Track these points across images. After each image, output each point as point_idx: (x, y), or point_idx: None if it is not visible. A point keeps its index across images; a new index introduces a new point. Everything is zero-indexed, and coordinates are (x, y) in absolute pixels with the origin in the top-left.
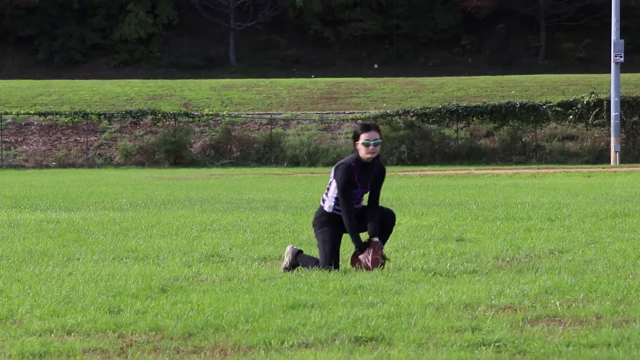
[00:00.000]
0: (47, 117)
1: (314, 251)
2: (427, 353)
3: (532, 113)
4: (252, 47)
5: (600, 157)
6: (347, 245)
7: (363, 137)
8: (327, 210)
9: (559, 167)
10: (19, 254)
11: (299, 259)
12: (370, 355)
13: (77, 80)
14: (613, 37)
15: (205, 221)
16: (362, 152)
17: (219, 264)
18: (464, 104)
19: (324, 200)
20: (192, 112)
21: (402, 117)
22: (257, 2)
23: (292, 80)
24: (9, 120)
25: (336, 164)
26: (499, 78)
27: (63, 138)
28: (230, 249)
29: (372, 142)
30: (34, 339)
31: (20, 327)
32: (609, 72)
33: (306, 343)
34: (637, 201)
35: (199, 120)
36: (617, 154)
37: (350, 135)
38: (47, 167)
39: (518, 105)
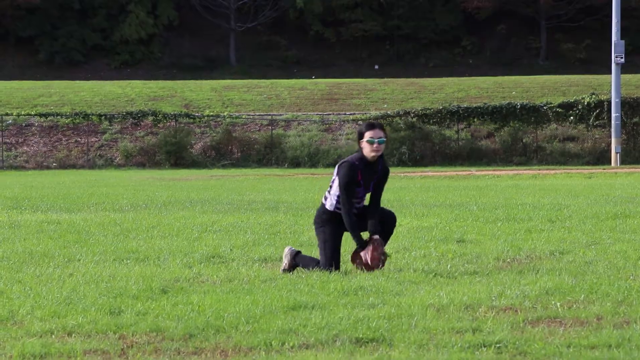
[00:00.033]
0: (48, 118)
1: (314, 252)
2: (427, 354)
3: (532, 114)
4: (252, 48)
5: (601, 158)
6: (348, 246)
7: (367, 135)
8: (328, 209)
9: (559, 168)
10: (20, 255)
11: (298, 260)
12: (371, 356)
13: (77, 81)
14: (614, 38)
15: (206, 222)
16: (367, 150)
17: (219, 265)
18: (465, 105)
19: (325, 198)
20: (193, 113)
21: (402, 118)
22: (258, 2)
23: (292, 81)
24: (10, 121)
25: (340, 162)
26: (499, 79)
27: (64, 139)
28: (231, 250)
29: (376, 140)
30: (34, 340)
31: (21, 328)
32: (610, 73)
33: (307, 344)
34: (638, 202)
35: (199, 121)
36: (618, 155)
37: (355, 135)
38: (48, 168)
39: (519, 106)
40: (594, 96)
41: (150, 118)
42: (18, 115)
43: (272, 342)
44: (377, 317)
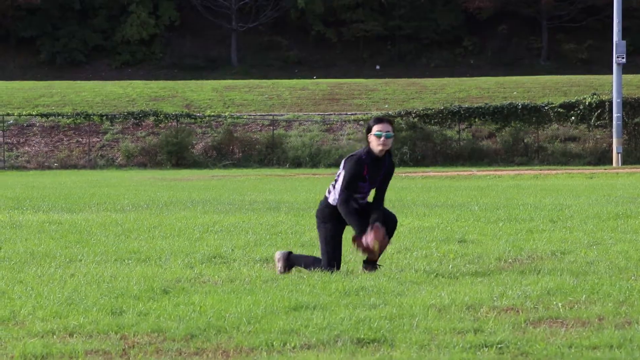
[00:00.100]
0: (49, 118)
1: (316, 253)
2: (429, 354)
3: (534, 114)
4: (254, 48)
5: (602, 158)
6: (348, 247)
7: (375, 128)
8: (331, 203)
9: (561, 168)
10: (21, 255)
11: (292, 260)
12: (372, 356)
13: (79, 82)
14: (615, 38)
15: (207, 222)
16: (374, 144)
17: (221, 265)
18: (466, 105)
19: (329, 192)
20: (194, 113)
21: (404, 119)
22: (259, 3)
23: (294, 82)
24: (11, 121)
25: (347, 156)
26: (500, 79)
27: (65, 139)
28: (232, 250)
29: (384, 134)
30: (36, 340)
31: (23, 328)
32: (611, 73)
33: (308, 344)
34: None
35: (201, 122)
36: (619, 155)
37: (360, 132)
38: (49, 168)
39: (520, 107)
40: (595, 96)
41: (152, 118)
42: (19, 115)
43: (274, 343)
44: (378, 318)
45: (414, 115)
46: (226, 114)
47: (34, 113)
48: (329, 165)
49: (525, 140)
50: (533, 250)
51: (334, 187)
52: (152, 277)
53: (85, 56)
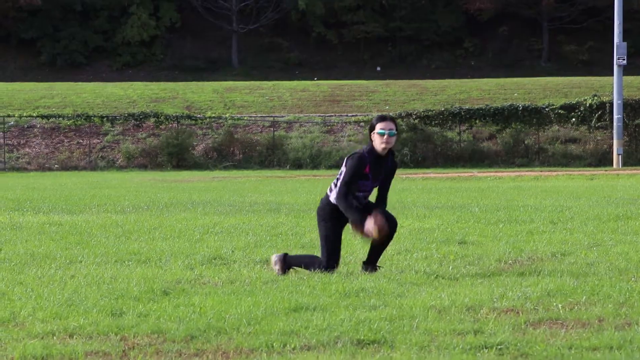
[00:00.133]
0: (50, 120)
1: (316, 254)
2: (429, 356)
3: (534, 116)
4: (254, 50)
5: (602, 159)
6: (349, 248)
7: (378, 127)
8: (332, 201)
9: (561, 169)
10: (22, 257)
11: (289, 261)
12: (372, 358)
13: (79, 83)
14: (616, 40)
15: (207, 224)
16: (377, 142)
17: (221, 266)
18: (467, 107)
19: (331, 190)
20: (195, 115)
21: (404, 120)
22: (260, 4)
23: (294, 83)
24: (12, 122)
25: (350, 153)
26: (501, 81)
27: (65, 141)
28: (232, 251)
29: (387, 132)
30: (36, 341)
31: (23, 329)
32: (612, 74)
33: (308, 346)
34: None
35: (201, 123)
36: (620, 156)
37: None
38: (50, 169)
39: (521, 108)
40: (596, 98)
41: (152, 120)
42: (20, 116)
43: (274, 344)
44: (378, 319)
45: (414, 116)
46: (227, 115)
47: (34, 114)
48: (330, 167)
49: (525, 142)
50: (533, 251)
51: (335, 185)
52: (152, 278)
53: (86, 57)
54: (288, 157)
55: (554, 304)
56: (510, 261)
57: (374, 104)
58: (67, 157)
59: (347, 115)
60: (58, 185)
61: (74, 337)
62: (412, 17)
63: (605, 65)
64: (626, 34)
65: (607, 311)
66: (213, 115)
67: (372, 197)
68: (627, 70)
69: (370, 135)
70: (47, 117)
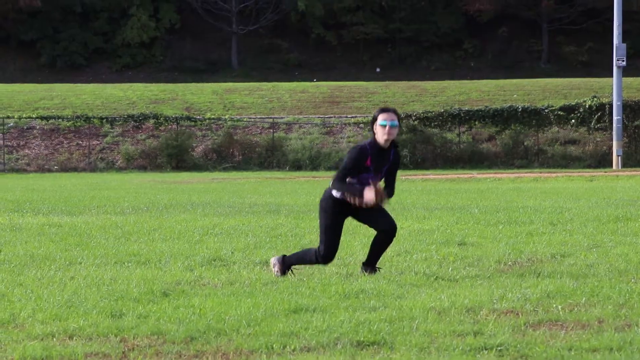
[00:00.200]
0: (50, 121)
1: None
2: (429, 357)
3: (534, 117)
4: (254, 51)
5: (602, 161)
6: (349, 249)
7: (380, 118)
8: (334, 194)
9: (561, 171)
10: (21, 258)
11: (288, 261)
12: (372, 359)
13: (79, 84)
14: (615, 41)
15: (207, 225)
16: (379, 133)
17: (221, 268)
18: (466, 108)
19: (333, 183)
20: (194, 116)
21: (404, 121)
22: (260, 6)
23: (294, 84)
24: (11, 124)
25: (353, 146)
26: (501, 82)
27: (65, 142)
28: (232, 253)
29: (388, 123)
30: (36, 343)
31: (23, 331)
32: (611, 76)
33: (308, 347)
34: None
35: (201, 124)
36: (619, 158)
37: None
38: (49, 171)
39: (520, 109)
40: (595, 99)
41: (152, 121)
42: (19, 118)
43: (274, 345)
44: (378, 320)
45: (414, 118)
46: (226, 116)
47: (34, 116)
48: (329, 168)
49: (525, 143)
50: (533, 253)
51: None
52: (152, 279)
53: (86, 59)
54: (287, 159)
55: (554, 305)
56: (509, 262)
57: (374, 105)
58: (66, 158)
59: (346, 117)
60: (57, 187)
61: (74, 338)
62: (411, 19)
63: (604, 66)
64: (626, 35)
65: (606, 312)
66: (212, 116)
67: None
68: (626, 72)
69: (372, 128)
70: (47, 118)
